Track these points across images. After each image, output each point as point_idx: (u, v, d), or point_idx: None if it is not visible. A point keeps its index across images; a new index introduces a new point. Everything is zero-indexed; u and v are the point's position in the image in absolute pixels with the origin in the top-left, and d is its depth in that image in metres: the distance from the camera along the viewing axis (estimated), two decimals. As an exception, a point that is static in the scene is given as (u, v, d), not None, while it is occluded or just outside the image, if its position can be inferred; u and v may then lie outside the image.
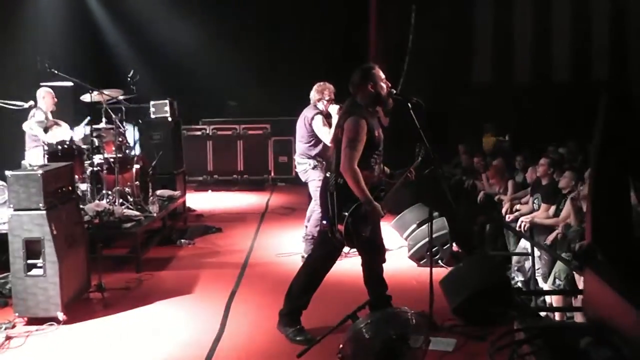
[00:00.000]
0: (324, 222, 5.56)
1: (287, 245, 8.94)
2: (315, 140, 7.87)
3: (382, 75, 5.60)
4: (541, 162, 8.63)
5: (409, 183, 5.98)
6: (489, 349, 4.99)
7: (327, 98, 7.81)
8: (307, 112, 7.99)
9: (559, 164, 8.77)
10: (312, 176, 7.88)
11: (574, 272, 7.24)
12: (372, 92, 5.53)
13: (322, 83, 7.92)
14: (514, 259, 8.72)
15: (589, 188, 5.92)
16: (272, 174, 14.99)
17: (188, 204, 11.42)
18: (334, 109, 7.56)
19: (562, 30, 14.67)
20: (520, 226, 8.39)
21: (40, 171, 6.07)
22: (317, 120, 7.80)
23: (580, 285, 7.12)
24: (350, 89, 5.61)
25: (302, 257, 8.11)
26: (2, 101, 8.69)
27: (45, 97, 9.41)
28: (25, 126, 9.16)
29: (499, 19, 15.02)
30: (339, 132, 5.49)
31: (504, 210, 9.25)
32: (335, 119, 6.97)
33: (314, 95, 7.96)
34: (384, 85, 5.58)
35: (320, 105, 7.87)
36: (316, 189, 7.37)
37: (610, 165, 5.38)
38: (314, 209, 7.80)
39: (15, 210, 6.03)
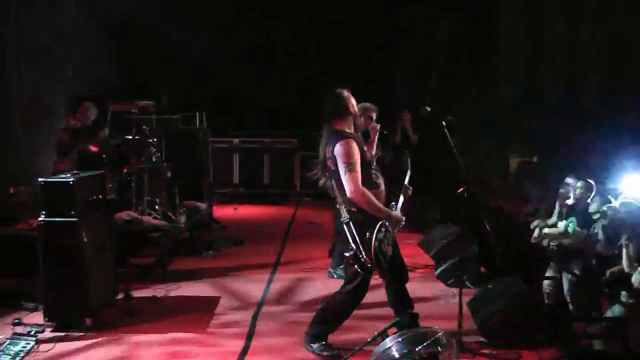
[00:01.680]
0: (347, 254, 5.51)
1: (313, 261, 8.94)
2: None
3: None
4: (578, 185, 8.52)
5: (409, 199, 5.90)
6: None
7: (369, 115, 7.67)
8: None
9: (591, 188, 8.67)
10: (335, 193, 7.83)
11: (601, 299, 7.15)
12: (352, 112, 5.54)
13: (367, 103, 7.75)
14: (544, 282, 8.62)
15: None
16: (298, 188, 14.98)
17: (214, 216, 11.44)
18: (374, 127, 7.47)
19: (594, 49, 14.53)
20: (549, 249, 8.31)
21: (72, 179, 6.12)
22: None
23: (608, 312, 7.04)
24: (328, 115, 5.56)
25: (329, 272, 8.10)
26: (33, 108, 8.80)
27: (89, 111, 9.45)
28: (58, 134, 9.22)
29: (529, 36, 14.96)
30: (331, 165, 5.42)
31: (534, 234, 9.16)
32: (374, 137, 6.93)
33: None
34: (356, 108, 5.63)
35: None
36: None
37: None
38: None
39: (46, 216, 6.07)
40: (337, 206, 5.49)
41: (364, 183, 5.26)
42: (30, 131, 10.34)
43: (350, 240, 5.32)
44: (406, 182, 5.87)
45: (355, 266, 5.37)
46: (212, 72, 15.48)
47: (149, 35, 15.53)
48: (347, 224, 5.31)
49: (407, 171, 5.97)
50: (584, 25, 13.88)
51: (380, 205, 5.28)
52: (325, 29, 15.39)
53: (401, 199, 5.73)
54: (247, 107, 15.98)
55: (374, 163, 5.61)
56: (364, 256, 5.25)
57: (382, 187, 5.53)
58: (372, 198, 5.23)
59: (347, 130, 5.49)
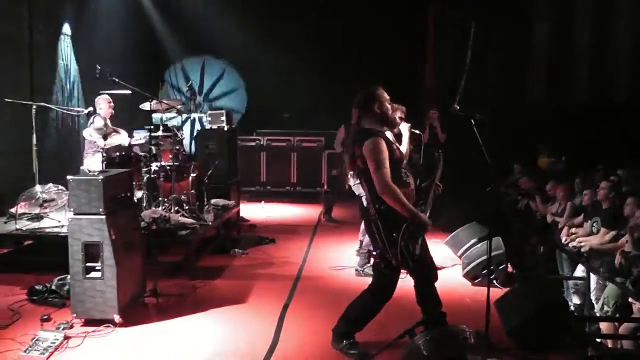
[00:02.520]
0: (375, 253, 5.48)
1: (341, 259, 8.93)
2: None
3: (387, 97, 5.55)
4: (602, 186, 8.42)
5: (438, 197, 5.85)
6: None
7: (398, 115, 7.64)
8: None
9: (619, 188, 8.57)
10: (364, 191, 7.82)
11: (629, 299, 7.06)
12: (378, 112, 5.47)
13: (395, 104, 7.72)
14: (572, 282, 8.55)
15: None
16: (325, 187, 15.00)
17: (242, 215, 11.48)
18: (405, 127, 7.45)
19: (622, 48, 14.35)
20: (576, 248, 8.24)
21: (101, 177, 6.16)
22: None
23: (636, 313, 6.96)
24: (356, 112, 5.52)
25: (356, 270, 8.10)
26: (62, 107, 8.86)
27: (102, 104, 9.54)
28: (86, 133, 9.29)
29: (558, 37, 14.83)
30: (360, 163, 5.36)
31: (562, 234, 9.09)
32: (406, 137, 6.90)
33: None
34: (390, 107, 5.55)
35: None
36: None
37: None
38: None
39: (75, 214, 6.13)
40: (365, 204, 5.47)
41: (394, 182, 5.20)
42: (56, 129, 10.44)
43: (378, 239, 5.30)
44: (437, 179, 5.84)
45: (383, 265, 5.36)
46: (241, 71, 15.57)
47: (178, 32, 15.66)
48: (375, 222, 5.29)
49: (437, 169, 5.93)
50: (614, 26, 13.75)
51: (408, 204, 5.20)
52: (355, 28, 15.39)
53: (431, 196, 5.69)
54: (275, 106, 16.03)
55: (404, 162, 5.57)
56: (392, 255, 5.23)
57: (413, 186, 5.48)
58: (401, 196, 5.16)
59: (376, 129, 5.47)
